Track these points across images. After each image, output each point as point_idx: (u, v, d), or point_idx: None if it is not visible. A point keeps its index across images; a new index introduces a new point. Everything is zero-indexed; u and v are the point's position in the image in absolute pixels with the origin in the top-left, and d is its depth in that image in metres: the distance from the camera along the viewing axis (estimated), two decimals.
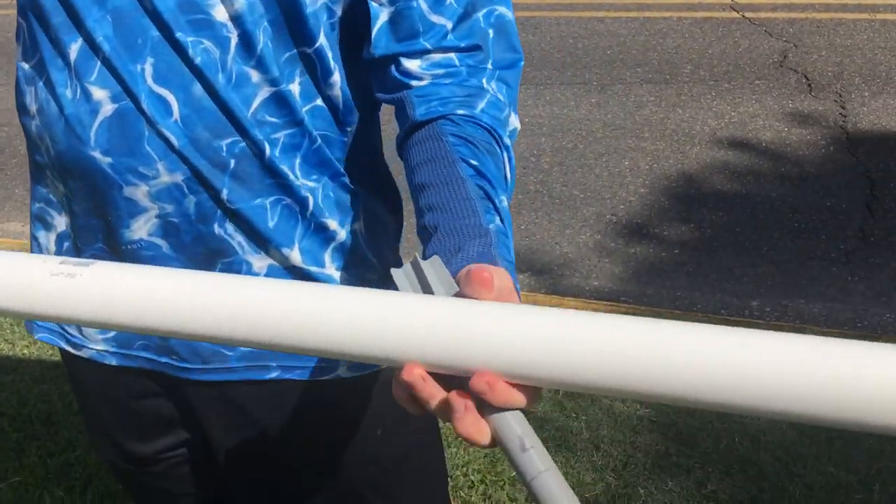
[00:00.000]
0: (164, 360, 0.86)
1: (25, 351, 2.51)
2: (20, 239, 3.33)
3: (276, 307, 0.51)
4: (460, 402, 0.47)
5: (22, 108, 0.81)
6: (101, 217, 0.79)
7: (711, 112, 3.88)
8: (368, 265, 0.85)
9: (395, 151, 0.77)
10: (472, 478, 1.85)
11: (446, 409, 0.48)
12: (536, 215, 3.21)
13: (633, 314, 2.44)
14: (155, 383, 0.89)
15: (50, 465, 2.02)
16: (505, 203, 0.67)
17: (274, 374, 0.85)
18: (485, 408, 0.47)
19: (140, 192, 0.76)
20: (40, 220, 0.86)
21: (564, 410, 2.02)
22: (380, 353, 0.49)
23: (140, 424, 0.94)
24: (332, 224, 0.82)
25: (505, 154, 0.72)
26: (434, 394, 0.48)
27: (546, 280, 2.81)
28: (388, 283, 0.87)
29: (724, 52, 4.46)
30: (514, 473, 1.84)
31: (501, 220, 0.64)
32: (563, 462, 1.86)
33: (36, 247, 0.87)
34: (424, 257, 0.58)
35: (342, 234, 0.83)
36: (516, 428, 0.47)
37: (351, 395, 0.88)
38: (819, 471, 1.77)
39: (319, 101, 0.78)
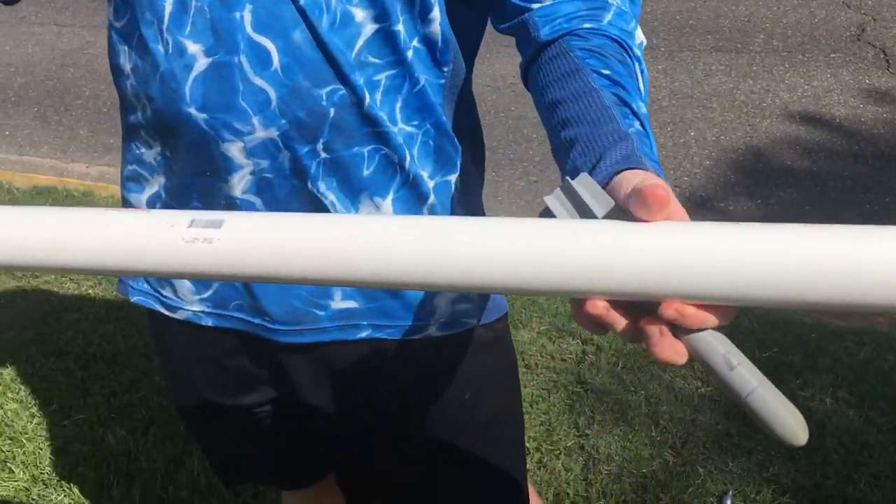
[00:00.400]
0: (257, 321, 0.86)
1: (90, 291, 2.55)
2: (85, 180, 3.38)
3: (450, 246, 0.50)
4: (654, 329, 0.47)
5: (116, 69, 0.81)
6: (198, 174, 0.79)
7: (784, 84, 3.76)
8: None
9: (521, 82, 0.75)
10: (527, 446, 1.85)
11: (636, 334, 0.49)
12: None
13: None
14: (246, 343, 0.90)
15: (113, 405, 2.07)
16: (644, 109, 0.65)
17: (365, 334, 0.85)
18: (678, 329, 0.48)
19: (236, 149, 0.75)
20: (133, 181, 0.85)
21: (623, 383, 2.01)
22: (563, 286, 0.49)
23: (228, 381, 0.94)
24: (426, 175, 0.80)
25: (636, 65, 0.70)
26: (618, 320, 0.49)
27: None
28: None
29: (799, 22, 4.31)
30: (571, 443, 1.83)
31: (642, 125, 0.62)
32: (620, 436, 1.85)
33: (128, 207, 0.87)
34: (568, 176, 0.57)
35: (436, 186, 0.81)
36: (718, 347, 0.47)
37: (441, 355, 0.88)
38: (887, 460, 1.73)
39: (418, 41, 0.75)
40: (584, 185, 0.52)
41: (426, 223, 0.52)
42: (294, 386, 0.91)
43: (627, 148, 0.57)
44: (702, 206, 2.96)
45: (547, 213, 0.53)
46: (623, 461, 1.78)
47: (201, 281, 0.84)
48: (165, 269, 0.55)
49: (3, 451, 1.95)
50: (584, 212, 0.51)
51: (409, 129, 0.78)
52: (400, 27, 0.73)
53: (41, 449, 1.95)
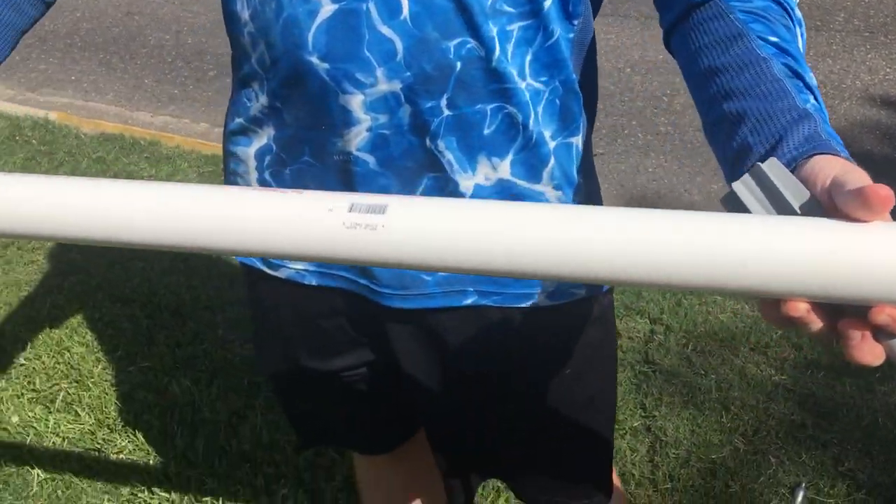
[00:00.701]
0: (363, 282, 0.84)
1: None
2: (149, 129, 3.39)
3: (645, 241, 0.47)
4: (856, 332, 0.46)
5: (231, 17, 0.77)
6: (312, 128, 0.76)
7: (865, 66, 3.62)
8: (572, 185, 0.80)
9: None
10: None
11: (831, 335, 0.47)
12: (666, 159, 3.08)
13: None
14: (349, 303, 0.88)
15: (177, 355, 2.08)
16: (814, 79, 0.60)
17: (470, 300, 0.83)
18: (881, 333, 0.47)
19: (355, 102, 0.72)
20: (241, 135, 0.83)
21: (693, 366, 1.96)
22: (763, 287, 0.46)
23: (325, 343, 0.92)
24: (549, 135, 0.76)
25: (798, 28, 0.65)
26: (815, 321, 0.47)
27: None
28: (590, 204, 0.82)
29: (882, 2, 4.14)
30: (637, 423, 1.79)
31: (816, 99, 0.58)
32: (689, 420, 1.81)
33: (233, 161, 0.85)
34: (727, 152, 0.53)
35: (557, 148, 0.77)
36: None
37: (546, 326, 0.85)
38: None
39: None
40: (775, 171, 0.48)
41: (603, 214, 0.49)
42: (393, 351, 0.89)
43: (810, 128, 0.53)
44: None
45: (733, 200, 0.50)
46: (691, 445, 1.75)
47: None
48: (324, 255, 0.53)
49: (69, 393, 1.98)
50: (778, 202, 0.48)
51: (537, 85, 0.74)
52: None
53: (107, 394, 1.97)
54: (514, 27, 0.70)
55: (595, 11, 0.78)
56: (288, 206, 0.53)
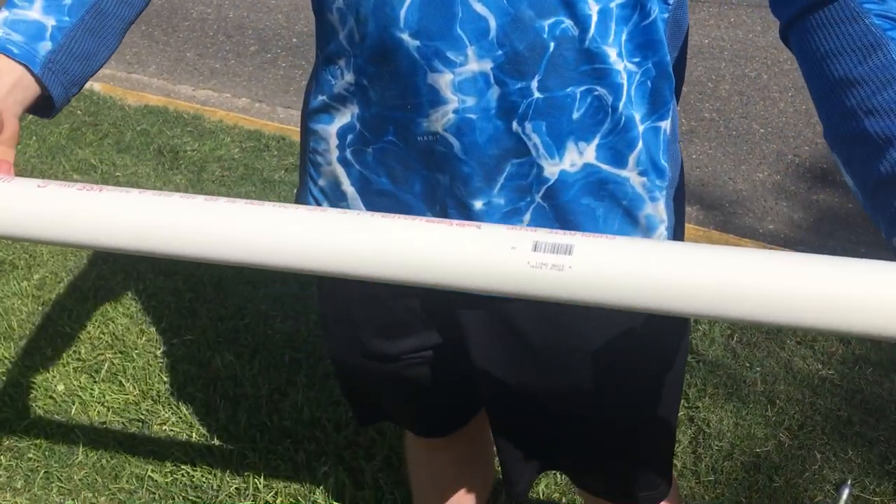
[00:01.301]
0: None
1: None
2: (192, 103, 3.40)
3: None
4: None
5: None
6: (399, 107, 0.75)
7: None
8: (659, 171, 0.78)
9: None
10: None
11: None
12: (710, 146, 3.03)
13: None
14: (423, 288, 0.87)
15: (220, 329, 2.10)
16: None
17: None
18: None
19: (443, 81, 0.71)
20: (323, 112, 0.82)
21: (737, 358, 1.93)
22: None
23: (391, 322, 0.92)
24: (639, 118, 0.75)
25: None
26: None
27: (716, 217, 2.68)
28: (672, 192, 0.81)
29: None
30: (680, 414, 1.78)
31: None
32: (733, 412, 1.79)
33: (314, 139, 0.84)
34: (869, 175, 0.52)
35: (646, 132, 0.76)
36: None
37: (623, 315, 0.84)
38: None
39: None
40: None
41: (797, 260, 0.50)
42: (462, 335, 0.89)
43: None
44: (822, 179, 2.82)
45: None
46: (735, 438, 1.73)
47: None
48: (506, 292, 0.54)
49: (114, 363, 2.00)
50: None
51: (630, 66, 0.72)
52: None
53: (150, 365, 1.99)
54: (614, 5, 0.69)
55: None
56: (467, 241, 0.54)
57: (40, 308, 2.19)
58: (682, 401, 1.82)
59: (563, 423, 0.91)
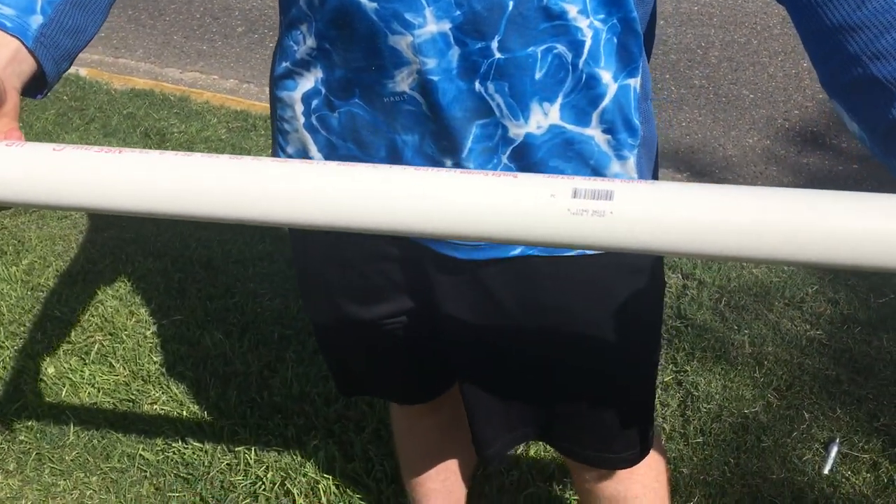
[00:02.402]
0: None
1: None
2: (179, 85, 3.38)
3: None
4: None
5: None
6: (363, 70, 0.74)
7: None
8: (632, 129, 0.77)
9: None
10: None
11: None
12: (700, 112, 3.02)
13: None
14: (397, 249, 0.87)
15: (209, 308, 2.10)
16: None
17: (518, 251, 0.81)
18: None
19: (404, 42, 0.70)
20: (287, 79, 0.81)
21: (726, 321, 1.93)
22: None
23: (365, 287, 0.92)
24: (606, 76, 0.73)
25: None
26: None
27: (707, 182, 2.67)
28: (644, 151, 0.80)
29: None
30: (668, 378, 1.78)
31: None
32: (721, 374, 1.79)
33: (280, 107, 0.83)
34: (880, 121, 0.52)
35: (613, 89, 0.74)
36: None
37: (594, 275, 0.84)
38: None
39: None
40: None
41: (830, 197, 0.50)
42: (437, 300, 0.88)
43: None
44: (812, 142, 2.81)
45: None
46: (723, 400, 1.73)
47: None
48: (547, 240, 0.53)
49: (103, 345, 2.00)
50: None
51: (596, 23, 0.71)
52: None
53: (140, 346, 2.00)
54: None
55: None
56: (505, 191, 0.53)
57: (29, 293, 2.19)
58: (670, 365, 1.83)
59: (535, 382, 0.91)
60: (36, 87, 0.71)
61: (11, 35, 0.67)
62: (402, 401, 1.11)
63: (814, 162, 2.72)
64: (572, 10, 0.69)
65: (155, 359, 1.96)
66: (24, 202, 0.59)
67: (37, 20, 0.69)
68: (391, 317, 0.94)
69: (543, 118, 0.74)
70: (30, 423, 1.80)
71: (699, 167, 2.74)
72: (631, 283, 0.85)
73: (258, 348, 1.96)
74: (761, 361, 1.82)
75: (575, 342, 0.87)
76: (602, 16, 0.71)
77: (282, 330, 2.01)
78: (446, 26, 0.69)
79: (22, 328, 2.06)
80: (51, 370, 1.94)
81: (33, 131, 2.95)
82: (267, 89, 3.51)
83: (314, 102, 0.80)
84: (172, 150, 2.80)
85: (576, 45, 0.71)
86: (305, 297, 1.00)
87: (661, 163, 2.74)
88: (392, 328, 0.95)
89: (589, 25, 0.70)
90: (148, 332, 2.04)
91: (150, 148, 2.83)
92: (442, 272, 0.85)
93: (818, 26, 0.59)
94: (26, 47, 0.68)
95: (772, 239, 0.49)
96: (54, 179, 0.58)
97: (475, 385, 0.94)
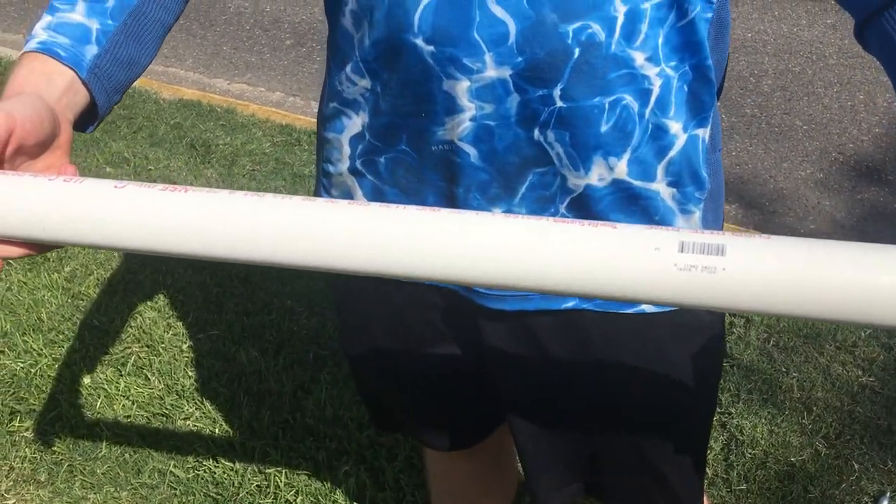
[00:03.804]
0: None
1: None
2: (226, 96, 3.40)
3: None
4: None
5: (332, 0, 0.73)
6: (411, 115, 0.71)
7: None
8: (699, 182, 0.73)
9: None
10: None
11: None
12: (751, 142, 2.95)
13: None
14: (442, 298, 0.84)
15: (246, 324, 2.09)
16: None
17: (571, 304, 0.78)
18: None
19: (460, 88, 0.66)
20: (335, 120, 0.78)
21: (774, 363, 1.87)
22: None
23: (409, 334, 0.89)
24: (675, 126, 0.69)
25: None
26: None
27: (755, 215, 2.60)
28: (710, 204, 0.76)
29: None
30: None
31: None
32: (768, 419, 1.72)
33: (327, 148, 0.81)
34: None
35: (682, 141, 0.70)
36: None
37: (651, 335, 0.79)
38: None
39: None
40: None
41: None
42: (484, 350, 0.85)
43: None
44: (867, 177, 2.73)
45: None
46: (769, 446, 1.67)
47: None
48: (652, 297, 0.49)
49: (140, 357, 2.00)
50: None
51: (667, 70, 0.67)
52: None
53: (176, 360, 1.99)
54: (647, 5, 0.64)
55: None
56: (604, 242, 0.49)
57: (70, 300, 2.20)
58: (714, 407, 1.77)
59: (585, 435, 0.87)
60: (86, 119, 0.69)
61: (66, 65, 0.65)
62: (439, 446, 1.08)
63: (868, 198, 2.64)
64: (640, 58, 0.65)
65: (190, 373, 1.95)
66: (83, 243, 0.55)
67: (91, 50, 0.67)
68: (434, 364, 0.90)
69: (608, 172, 0.70)
70: (63, 434, 1.80)
71: (749, 198, 2.67)
72: (688, 345, 0.81)
73: (293, 367, 1.95)
74: (810, 407, 1.75)
75: (626, 400, 0.83)
76: (674, 62, 0.67)
77: (317, 350, 1.99)
78: (507, 73, 0.65)
79: (61, 336, 2.07)
80: (87, 380, 1.94)
81: (81, 138, 2.98)
82: (312, 103, 3.50)
83: (360, 146, 0.77)
84: (216, 161, 2.82)
85: (643, 95, 0.67)
86: (347, 337, 0.97)
87: None
88: (435, 375, 0.92)
89: (658, 73, 0.66)
90: (184, 346, 2.03)
91: (195, 159, 2.84)
92: (490, 321, 0.82)
93: None
94: (80, 78, 0.65)
95: None
96: (116, 220, 0.54)
97: (527, 435, 0.90)
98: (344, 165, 0.79)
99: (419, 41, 0.65)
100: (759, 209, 2.63)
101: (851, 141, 2.93)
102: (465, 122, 0.68)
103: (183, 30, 4.10)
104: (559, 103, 0.66)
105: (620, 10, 0.63)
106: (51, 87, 0.63)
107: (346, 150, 0.78)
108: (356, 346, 0.95)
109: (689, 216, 0.74)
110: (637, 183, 0.71)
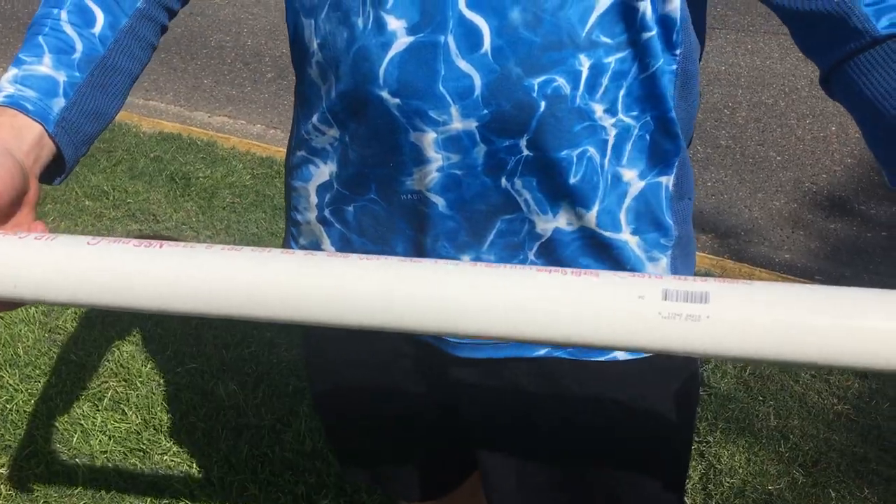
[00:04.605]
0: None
1: (206, 234, 2.58)
2: (207, 129, 3.41)
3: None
4: None
5: (300, 45, 0.73)
6: (379, 165, 0.71)
7: None
8: (663, 229, 0.74)
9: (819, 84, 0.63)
10: None
11: None
12: (726, 173, 3.00)
13: None
14: (413, 348, 0.84)
15: (225, 357, 2.08)
16: None
17: (543, 351, 0.78)
18: None
19: (427, 140, 0.67)
20: (302, 168, 0.78)
21: (750, 391, 1.89)
22: None
23: (381, 385, 0.89)
24: (629, 174, 0.70)
25: None
26: None
27: (731, 245, 2.63)
28: (679, 252, 0.77)
29: None
30: None
31: None
32: (745, 447, 1.74)
33: (294, 196, 0.81)
34: None
35: (638, 188, 0.71)
36: None
37: (624, 379, 0.79)
38: None
39: (655, 20, 0.65)
40: None
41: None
42: (455, 398, 0.85)
43: None
44: (840, 207, 2.77)
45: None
46: (747, 475, 1.68)
47: None
48: (636, 345, 0.48)
49: (117, 392, 1.99)
50: None
51: (627, 119, 0.68)
52: (643, 3, 0.63)
53: (154, 394, 1.98)
54: (611, 59, 0.64)
55: (702, 38, 0.72)
56: (588, 292, 0.49)
57: (47, 335, 2.19)
58: (692, 435, 1.78)
59: (559, 480, 0.87)
60: (52, 172, 0.67)
61: (34, 119, 0.63)
62: (409, 497, 1.07)
63: (841, 227, 2.68)
64: (599, 110, 0.66)
65: (168, 407, 1.94)
66: (57, 301, 0.55)
67: (59, 103, 0.65)
68: (403, 411, 0.90)
69: (576, 219, 0.71)
70: (39, 470, 1.78)
71: (724, 228, 2.71)
72: (663, 387, 0.81)
73: (272, 400, 1.94)
74: (787, 435, 1.76)
75: (601, 444, 0.83)
76: (635, 112, 0.68)
77: (297, 382, 1.99)
78: (472, 125, 0.66)
79: (37, 371, 2.05)
80: (63, 415, 1.92)
81: None
82: None
83: (328, 195, 0.77)
84: (196, 193, 2.82)
85: (602, 145, 0.68)
86: (317, 386, 0.96)
87: None
88: (407, 425, 0.92)
89: (615, 123, 0.67)
90: (162, 380, 2.02)
91: (175, 192, 2.85)
92: (462, 370, 0.82)
93: (882, 121, 0.55)
94: (48, 132, 0.64)
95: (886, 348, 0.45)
96: (90, 278, 0.53)
97: (500, 476, 0.90)
98: (312, 214, 0.79)
99: (385, 94, 0.66)
100: (735, 239, 2.66)
101: (824, 171, 2.98)
102: (432, 173, 0.69)
103: (164, 63, 4.12)
104: (526, 152, 0.67)
105: (585, 65, 0.64)
106: (20, 141, 0.62)
107: (314, 199, 0.78)
108: (329, 400, 0.95)
109: (657, 263, 0.75)
110: (607, 234, 0.71)
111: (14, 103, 0.63)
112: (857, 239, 2.63)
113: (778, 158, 3.07)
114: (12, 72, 0.66)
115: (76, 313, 2.25)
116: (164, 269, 0.53)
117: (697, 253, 2.55)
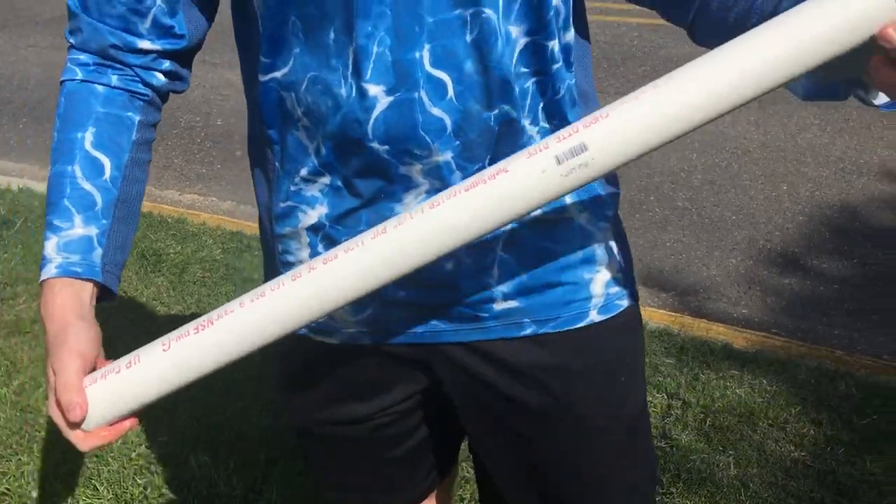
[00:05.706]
0: (420, 330, 0.88)
1: (178, 308, 2.62)
2: (178, 207, 3.48)
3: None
4: None
5: (278, 117, 0.82)
6: (372, 198, 0.81)
7: (882, 142, 3.65)
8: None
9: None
10: None
11: None
12: (683, 234, 3.10)
13: (787, 347, 2.32)
14: (404, 352, 0.91)
15: (197, 427, 2.10)
16: None
17: (529, 331, 0.87)
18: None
19: (415, 170, 0.79)
20: (289, 216, 0.86)
21: (710, 442, 1.94)
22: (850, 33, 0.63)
23: (363, 384, 0.94)
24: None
25: None
26: None
27: (690, 302, 2.72)
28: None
29: None
30: None
31: None
32: (707, 497, 1.78)
33: (282, 242, 0.88)
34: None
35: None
36: None
37: (602, 339, 0.90)
38: None
39: (559, 49, 0.80)
40: None
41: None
42: (444, 381, 0.92)
43: None
44: (793, 263, 2.88)
45: None
46: None
47: (358, 304, 0.86)
48: (552, 199, 0.70)
49: (88, 467, 2.00)
50: None
51: (549, 127, 0.82)
52: (551, 42, 0.78)
53: (125, 468, 1.99)
54: (530, 83, 0.80)
55: (586, 38, 0.87)
56: (507, 185, 0.68)
57: (18, 414, 2.20)
58: (656, 486, 1.82)
59: (546, 464, 0.93)
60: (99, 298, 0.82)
61: (85, 279, 0.78)
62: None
63: (795, 282, 2.78)
64: (531, 121, 0.81)
65: (139, 481, 1.95)
66: (168, 392, 0.73)
67: (98, 254, 0.80)
68: (388, 407, 0.96)
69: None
70: None
71: (684, 286, 2.80)
72: (630, 341, 0.93)
73: (244, 469, 1.96)
74: (746, 483, 1.81)
75: (598, 413, 0.91)
76: (556, 121, 0.83)
77: (268, 452, 2.01)
78: (449, 156, 0.78)
79: (9, 450, 2.06)
80: (35, 493, 1.93)
81: (31, 253, 3.01)
82: None
83: (321, 233, 0.85)
84: (167, 269, 2.87)
85: (530, 142, 0.82)
86: (291, 405, 1.01)
87: (645, 283, 2.80)
88: (388, 420, 0.97)
89: (544, 130, 0.82)
90: (133, 454, 2.03)
91: (145, 268, 2.89)
92: (452, 352, 0.89)
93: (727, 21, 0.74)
94: (98, 283, 0.79)
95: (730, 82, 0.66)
96: (179, 371, 0.71)
97: (491, 469, 0.98)
98: (304, 253, 0.87)
99: (375, 144, 0.78)
100: (694, 296, 2.75)
101: (777, 230, 3.09)
102: (422, 194, 0.81)
103: None
104: None
105: (517, 90, 0.79)
106: (82, 305, 0.77)
107: (305, 238, 0.86)
108: (304, 411, 0.99)
109: (604, 229, 0.90)
110: (549, 214, 0.85)
111: (66, 272, 0.78)
112: (812, 293, 2.73)
113: (733, 218, 3.19)
114: (52, 240, 0.80)
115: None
116: (222, 338, 0.72)
117: (657, 310, 2.64)
